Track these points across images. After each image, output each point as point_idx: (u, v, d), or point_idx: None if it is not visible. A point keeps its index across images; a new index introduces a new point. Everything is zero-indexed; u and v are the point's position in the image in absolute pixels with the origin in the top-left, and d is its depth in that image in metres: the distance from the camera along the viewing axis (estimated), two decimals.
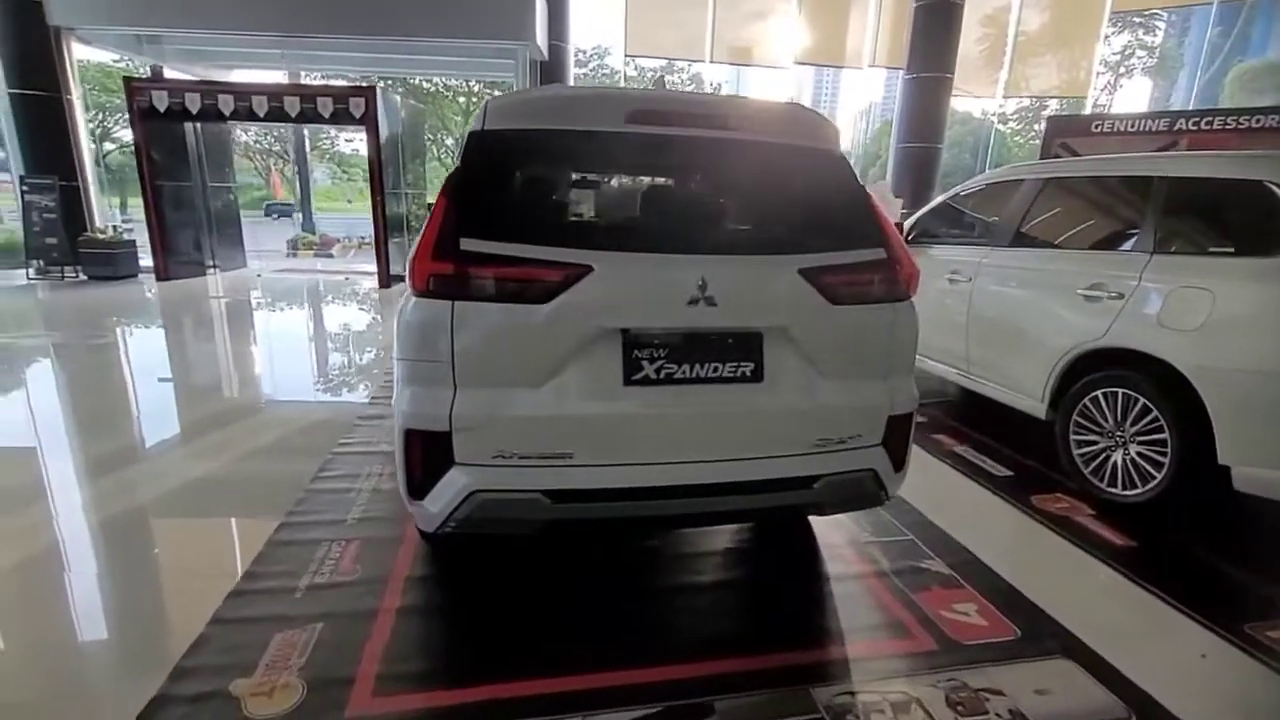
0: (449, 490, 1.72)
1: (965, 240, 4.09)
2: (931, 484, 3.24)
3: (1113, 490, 2.94)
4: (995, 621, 2.13)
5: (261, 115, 8.69)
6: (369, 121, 8.75)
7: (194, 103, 8.54)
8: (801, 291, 1.82)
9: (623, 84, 25.26)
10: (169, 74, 11.24)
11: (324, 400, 4.69)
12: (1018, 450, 3.61)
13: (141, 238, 9.63)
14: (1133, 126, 8.88)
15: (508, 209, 1.78)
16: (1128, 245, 3.00)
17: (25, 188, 9.18)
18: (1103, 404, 2.97)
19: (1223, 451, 2.52)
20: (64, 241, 9.24)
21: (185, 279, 9.57)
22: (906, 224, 4.52)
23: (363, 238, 15.77)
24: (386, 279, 9.23)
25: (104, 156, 21.88)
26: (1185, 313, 2.63)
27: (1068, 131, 9.48)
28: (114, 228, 10.49)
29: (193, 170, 10.00)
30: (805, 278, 1.82)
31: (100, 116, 23.72)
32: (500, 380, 1.72)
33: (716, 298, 1.73)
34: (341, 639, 1.94)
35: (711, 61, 12.46)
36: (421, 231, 1.74)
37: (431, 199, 8.21)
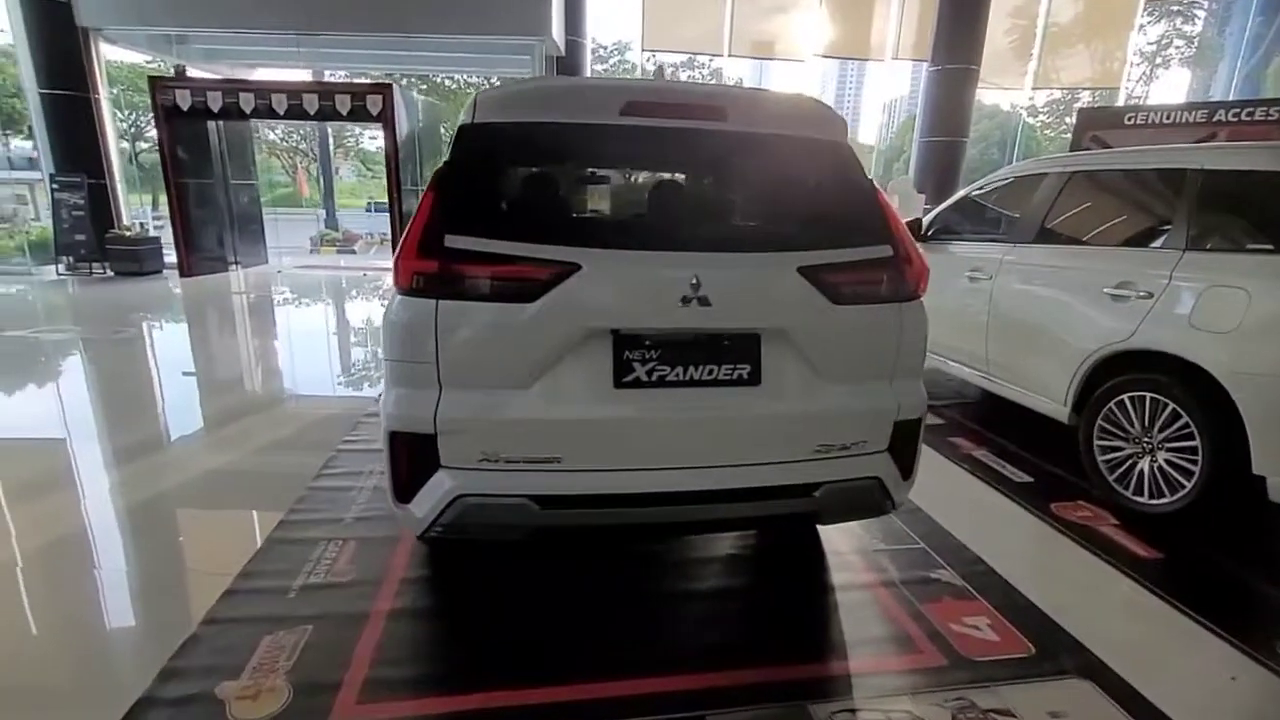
0: (434, 494, 1.68)
1: (986, 237, 3.94)
2: (946, 490, 3.13)
3: (1139, 499, 2.80)
4: (1008, 637, 2.02)
5: (281, 113, 8.79)
6: (386, 119, 8.80)
7: (216, 101, 8.67)
8: (801, 291, 1.74)
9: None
10: (193, 73, 11.43)
11: (334, 395, 4.72)
12: (1039, 455, 3.48)
13: (167, 234, 9.83)
14: (1168, 118, 8.55)
15: (495, 204, 1.73)
16: (1158, 242, 2.85)
17: (55, 186, 9.41)
18: (1129, 408, 2.83)
19: (1258, 461, 2.38)
20: (92, 238, 9.46)
21: (208, 275, 9.74)
22: (925, 220, 4.38)
23: (384, 234, 15.94)
24: None
25: (137, 155, 22.40)
26: (1219, 313, 2.49)
27: (1100, 124, 9.15)
28: (140, 225, 10.72)
29: (215, 168, 10.16)
30: (805, 276, 1.74)
31: (134, 116, 24.32)
32: (486, 381, 1.67)
33: (710, 297, 1.66)
34: (331, 642, 1.91)
35: (730, 56, 12.30)
36: (407, 228, 1.69)
37: None
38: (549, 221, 1.87)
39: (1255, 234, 2.63)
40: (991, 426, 3.95)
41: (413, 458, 1.68)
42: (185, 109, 8.73)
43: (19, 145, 20.40)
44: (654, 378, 1.72)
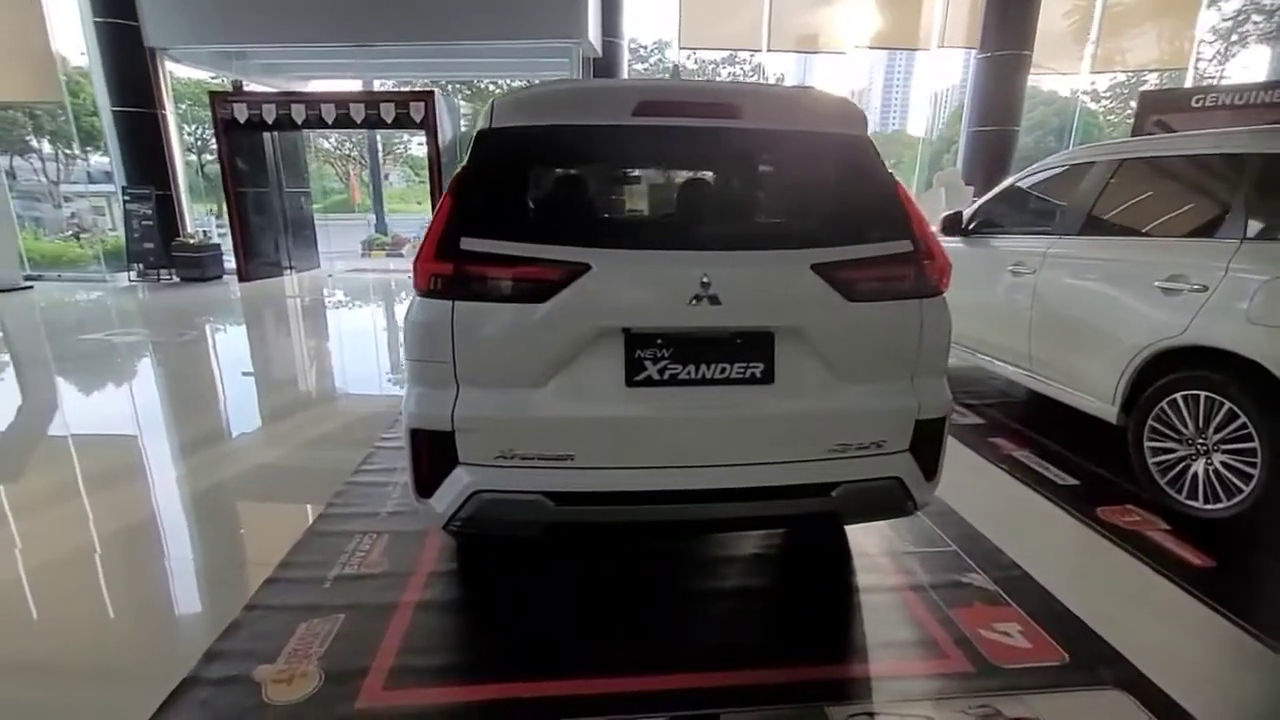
0: (453, 490, 1.73)
1: (1029, 229, 3.78)
2: (984, 492, 3.03)
3: (1192, 503, 2.65)
4: (1041, 644, 1.95)
5: (330, 122, 9.14)
6: (429, 125, 9.05)
7: (270, 113, 9.08)
8: (815, 289, 1.72)
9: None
10: (250, 87, 11.99)
11: (377, 393, 4.89)
12: (1085, 457, 3.33)
13: (227, 242, 10.36)
14: (1242, 99, 8.00)
15: (509, 207, 1.77)
16: (1213, 231, 2.69)
17: (126, 197, 10.04)
18: (1182, 408, 2.68)
19: None
20: (159, 246, 10.05)
21: (264, 279, 10.22)
22: (966, 213, 4.24)
23: None
24: None
25: (203, 167, 23.65)
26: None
27: (1164, 107, 8.65)
28: (204, 232, 11.32)
29: (270, 177, 10.64)
30: (819, 274, 1.71)
31: (199, 129, 25.67)
32: (501, 380, 1.71)
33: (720, 296, 1.66)
34: (362, 630, 1.99)
35: (769, 50, 12.13)
36: (425, 231, 1.75)
37: None
38: (561, 222, 1.90)
39: None
40: (1036, 426, 3.79)
41: (432, 454, 1.74)
42: (242, 122, 9.18)
43: (98, 160, 21.84)
44: (666, 376, 1.72)
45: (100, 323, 7.38)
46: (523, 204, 1.81)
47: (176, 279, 10.11)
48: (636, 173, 2.59)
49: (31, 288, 9.42)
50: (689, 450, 1.77)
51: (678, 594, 2.24)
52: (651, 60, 29.50)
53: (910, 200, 1.86)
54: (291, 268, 11.12)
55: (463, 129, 10.71)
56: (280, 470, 3.36)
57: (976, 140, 10.91)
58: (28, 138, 24.36)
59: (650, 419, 1.73)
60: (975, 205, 4.30)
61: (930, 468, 1.90)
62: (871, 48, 12.35)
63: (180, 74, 12.64)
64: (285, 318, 7.95)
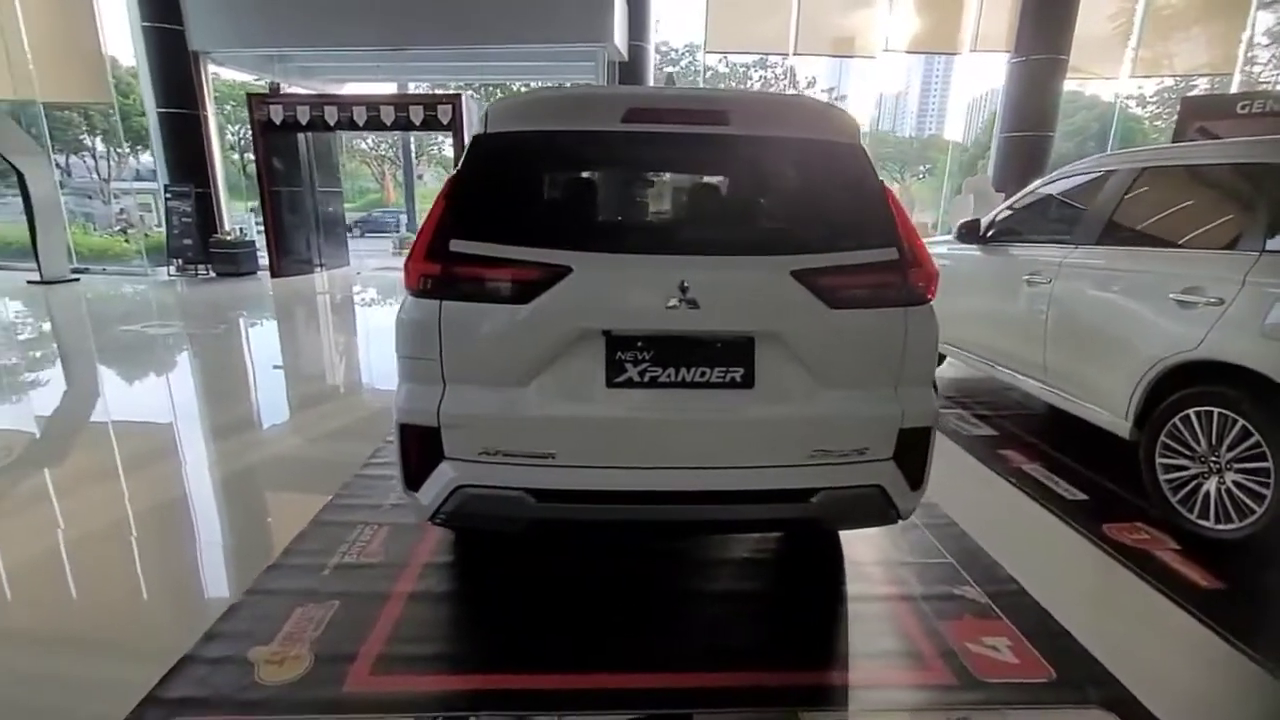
0: (438, 483, 1.78)
1: (1047, 238, 3.70)
2: (988, 505, 2.98)
3: (1203, 523, 2.57)
4: (1029, 660, 1.92)
5: (361, 124, 9.39)
6: (456, 127, 9.22)
7: (304, 115, 9.37)
8: (796, 295, 1.72)
9: (701, 82, 25.03)
10: (285, 90, 12.37)
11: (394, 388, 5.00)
12: (1098, 472, 3.25)
13: (261, 239, 10.71)
14: None
15: (498, 210, 1.81)
16: (1231, 243, 2.61)
17: (168, 195, 10.45)
18: (1195, 424, 2.60)
19: None
20: (197, 242, 10.44)
21: (295, 276, 10.52)
22: (983, 222, 4.16)
23: None
24: None
25: (245, 166, 24.47)
26: None
27: (1207, 113, 8.36)
28: (240, 230, 11.71)
29: (304, 176, 10.97)
30: (800, 280, 1.72)
31: (240, 129, 26.56)
32: (486, 379, 1.76)
33: (699, 300, 1.68)
34: (355, 617, 2.05)
35: (795, 54, 12.05)
36: (418, 232, 1.81)
37: None
38: (547, 226, 1.94)
39: None
40: (1049, 440, 3.71)
41: (419, 449, 1.79)
42: (278, 123, 9.48)
43: (146, 159, 22.78)
44: (646, 378, 1.75)
45: (139, 315, 7.70)
46: (512, 207, 1.85)
47: (213, 274, 10.48)
48: (625, 178, 2.63)
49: (78, 280, 9.87)
50: (668, 452, 1.79)
51: (668, 594, 2.26)
52: (683, 64, 29.55)
53: (900, 208, 1.85)
54: (322, 265, 11.43)
55: None
56: (295, 461, 3.48)
57: (1009, 146, 10.69)
58: (81, 137, 25.53)
59: (630, 420, 1.76)
60: (993, 213, 4.22)
61: (915, 477, 1.88)
62: (902, 51, 12.18)
63: (222, 76, 13.09)
64: (314, 313, 8.18)
